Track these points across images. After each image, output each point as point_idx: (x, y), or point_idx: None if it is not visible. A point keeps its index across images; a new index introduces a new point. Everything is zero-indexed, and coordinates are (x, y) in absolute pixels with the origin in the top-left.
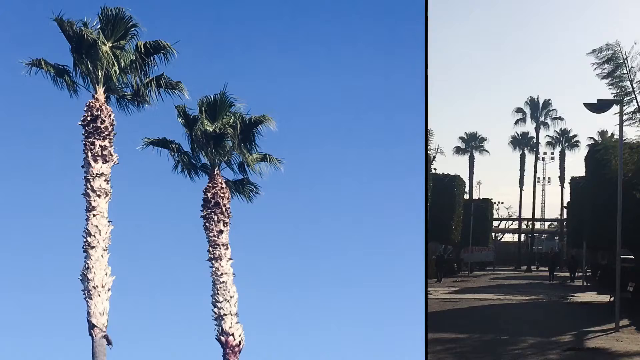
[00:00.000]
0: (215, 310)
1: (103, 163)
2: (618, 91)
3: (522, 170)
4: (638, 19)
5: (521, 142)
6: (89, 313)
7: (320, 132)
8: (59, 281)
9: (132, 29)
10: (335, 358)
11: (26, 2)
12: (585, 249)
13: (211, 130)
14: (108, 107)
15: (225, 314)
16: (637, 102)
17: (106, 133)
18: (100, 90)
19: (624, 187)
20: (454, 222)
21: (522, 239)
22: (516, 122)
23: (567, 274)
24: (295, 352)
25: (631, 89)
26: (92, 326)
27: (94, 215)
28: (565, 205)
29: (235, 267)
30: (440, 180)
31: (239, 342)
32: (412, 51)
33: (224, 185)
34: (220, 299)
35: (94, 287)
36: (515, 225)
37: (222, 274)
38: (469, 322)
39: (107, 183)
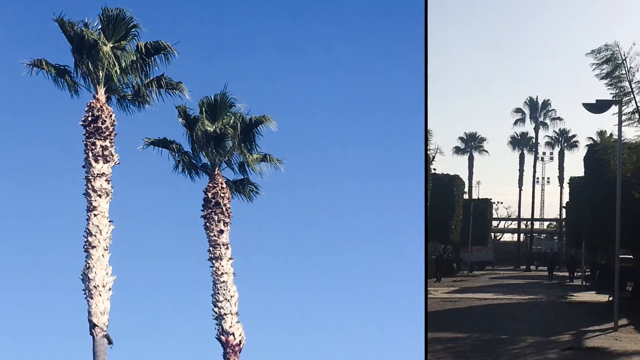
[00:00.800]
0: (216, 309)
1: (104, 163)
2: (617, 91)
3: (521, 170)
4: (637, 19)
5: (520, 142)
6: (89, 312)
7: (320, 132)
8: (60, 281)
9: (133, 30)
10: (335, 358)
11: (27, 3)
12: (584, 249)
13: (211, 130)
14: (109, 107)
15: (225, 314)
16: (636, 103)
17: (107, 133)
18: (101, 91)
19: (622, 187)
20: (453, 222)
21: (522, 239)
22: (515, 123)
23: (566, 274)
24: (295, 352)
25: (630, 90)
26: (93, 325)
27: (95, 215)
28: (564, 205)
29: (236, 266)
30: (440, 180)
31: (239, 341)
32: (412, 51)
33: (224, 185)
34: (221, 298)
35: (94, 286)
36: (514, 225)
37: (222, 273)
38: (468, 322)
39: (108, 183)
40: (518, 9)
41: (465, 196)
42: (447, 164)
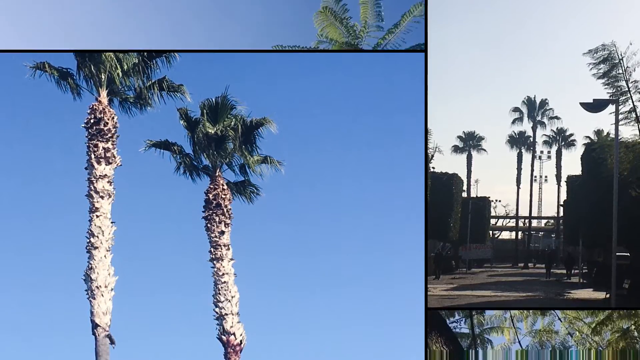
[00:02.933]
0: (217, 310)
1: (106, 165)
2: (614, 91)
3: (519, 168)
4: (634, 19)
5: (518, 141)
6: (92, 313)
7: (320, 133)
8: (62, 281)
9: None
10: (335, 358)
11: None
12: (582, 247)
13: (212, 132)
14: (111, 109)
15: (226, 314)
16: (633, 102)
17: (109, 135)
18: (104, 93)
19: (619, 186)
20: (452, 220)
21: (519, 237)
22: (513, 122)
23: (564, 271)
24: (295, 352)
25: (627, 89)
26: (95, 325)
27: (97, 216)
28: (561, 203)
29: (237, 267)
30: (439, 179)
31: (240, 341)
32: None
33: (225, 187)
34: (222, 298)
35: (97, 287)
36: (512, 223)
37: (223, 274)
38: None
39: (110, 184)
40: (517, 9)
41: (464, 194)
42: (446, 162)
